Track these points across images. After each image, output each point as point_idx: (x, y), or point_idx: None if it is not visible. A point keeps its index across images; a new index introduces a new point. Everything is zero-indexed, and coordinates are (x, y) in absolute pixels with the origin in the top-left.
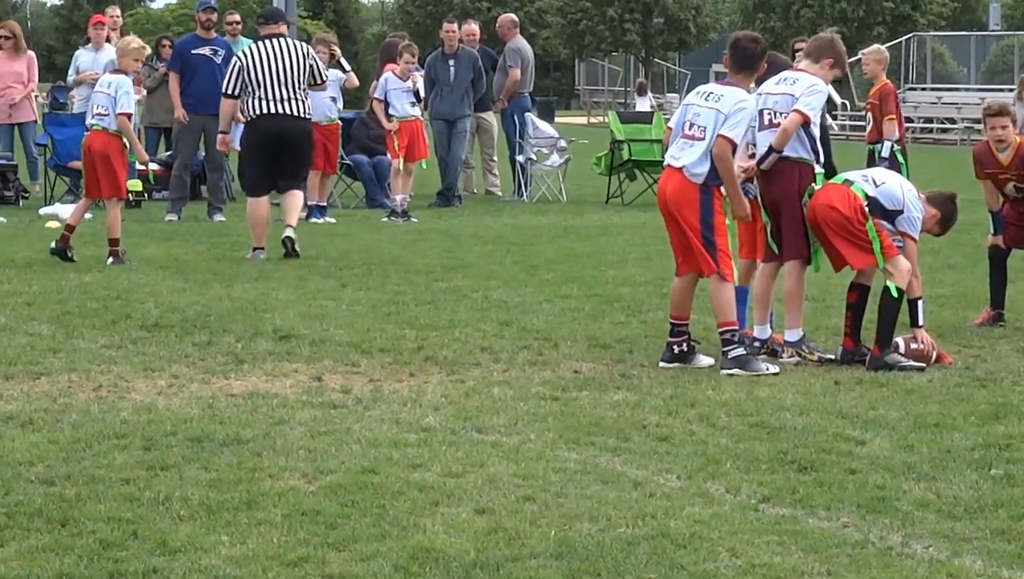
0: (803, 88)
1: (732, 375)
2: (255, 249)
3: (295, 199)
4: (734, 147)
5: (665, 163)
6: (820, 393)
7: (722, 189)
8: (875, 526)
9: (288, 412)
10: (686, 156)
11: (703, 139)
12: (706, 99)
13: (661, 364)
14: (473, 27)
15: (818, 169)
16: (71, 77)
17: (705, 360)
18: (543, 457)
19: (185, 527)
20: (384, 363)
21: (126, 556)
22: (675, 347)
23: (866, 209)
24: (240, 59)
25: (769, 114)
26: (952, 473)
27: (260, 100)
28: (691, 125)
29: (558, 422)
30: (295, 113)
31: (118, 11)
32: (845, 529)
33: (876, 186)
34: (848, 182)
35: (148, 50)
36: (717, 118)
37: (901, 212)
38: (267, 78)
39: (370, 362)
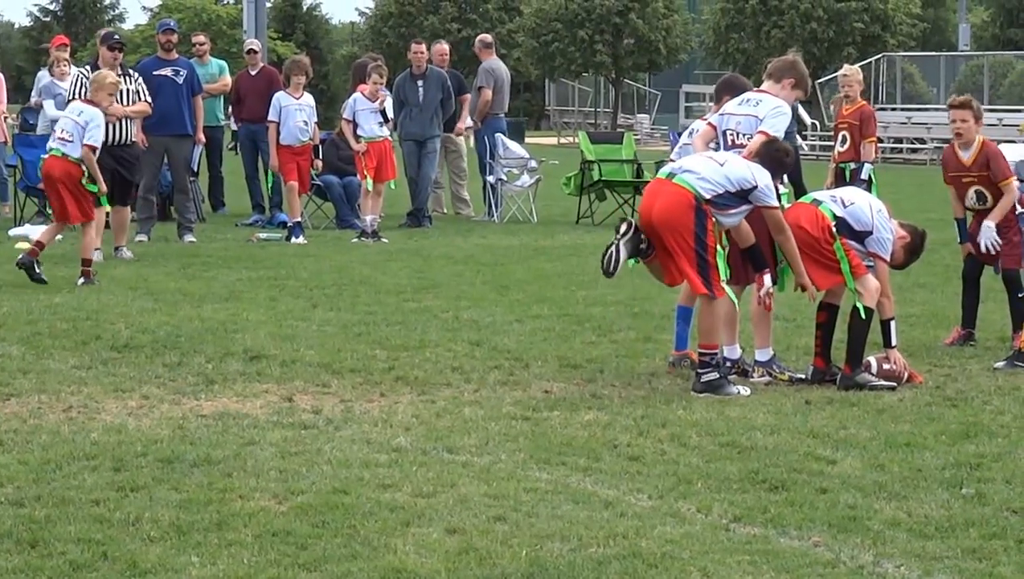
0: (767, 109)
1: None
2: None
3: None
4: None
5: (664, 172)
6: (791, 413)
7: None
8: (846, 545)
9: (259, 433)
10: (703, 168)
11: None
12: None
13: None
14: (444, 47)
15: (782, 189)
16: (35, 98)
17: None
18: (514, 477)
19: (155, 548)
20: (355, 383)
21: (96, 578)
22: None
23: (834, 229)
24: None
25: (732, 135)
26: (923, 492)
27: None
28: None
29: (529, 442)
30: None
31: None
32: (816, 548)
33: (844, 207)
34: (816, 202)
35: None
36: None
37: (870, 233)
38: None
39: (341, 382)
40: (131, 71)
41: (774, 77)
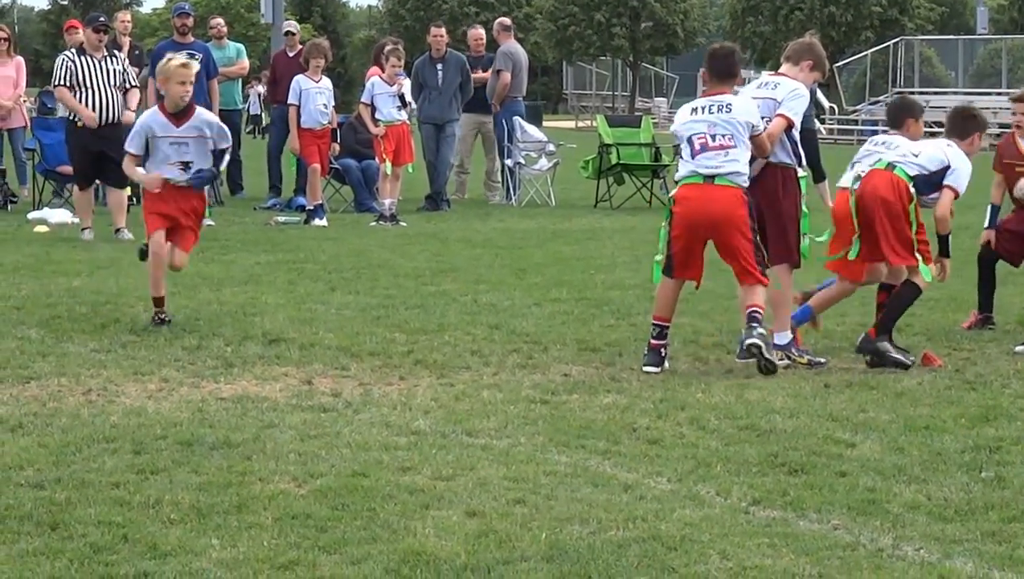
0: (785, 92)
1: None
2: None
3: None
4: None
5: (699, 176)
6: (810, 396)
7: None
8: (866, 528)
9: (278, 416)
10: (728, 164)
11: (735, 146)
12: (719, 110)
13: (647, 369)
14: (479, 31)
15: (801, 173)
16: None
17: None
18: (533, 460)
19: (175, 530)
20: (374, 367)
21: (116, 560)
22: (662, 350)
23: (912, 191)
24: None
25: None
26: (942, 475)
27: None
28: (714, 137)
29: (548, 425)
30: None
31: (128, 16)
32: (836, 531)
33: (916, 156)
34: (891, 166)
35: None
36: (738, 126)
37: (949, 167)
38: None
39: (360, 366)
40: (116, 52)
41: (792, 59)
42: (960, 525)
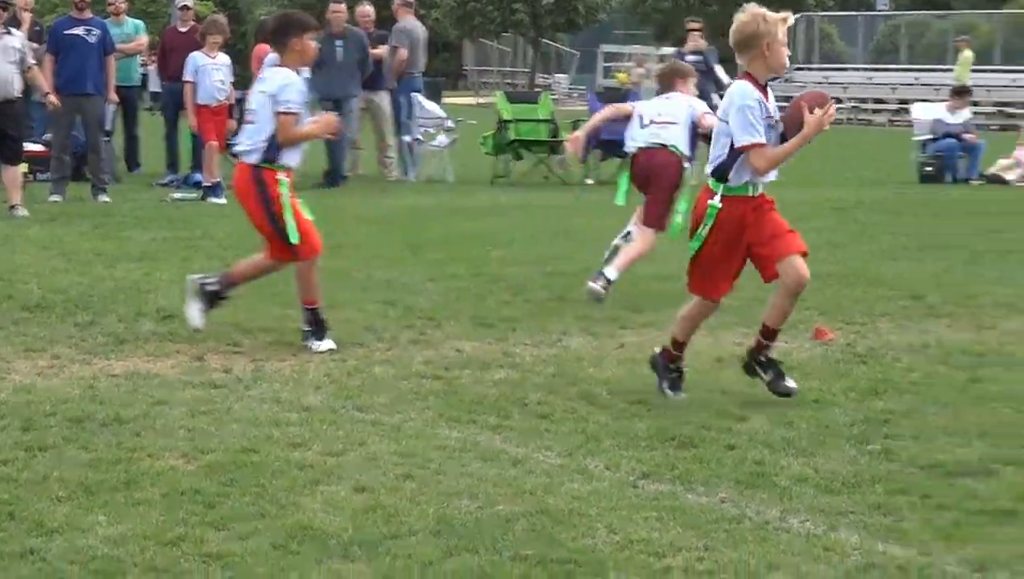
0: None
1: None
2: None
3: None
4: None
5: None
6: (702, 370)
7: None
8: (753, 501)
9: (169, 392)
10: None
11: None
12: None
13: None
14: (367, 9)
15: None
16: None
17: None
18: (423, 435)
19: (63, 507)
20: (266, 343)
21: (2, 537)
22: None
23: None
24: None
25: None
26: (830, 448)
27: None
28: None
29: (439, 401)
30: None
31: None
32: (723, 504)
33: None
34: None
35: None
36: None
37: None
38: None
39: (252, 342)
40: (14, 28)
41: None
42: (847, 497)
